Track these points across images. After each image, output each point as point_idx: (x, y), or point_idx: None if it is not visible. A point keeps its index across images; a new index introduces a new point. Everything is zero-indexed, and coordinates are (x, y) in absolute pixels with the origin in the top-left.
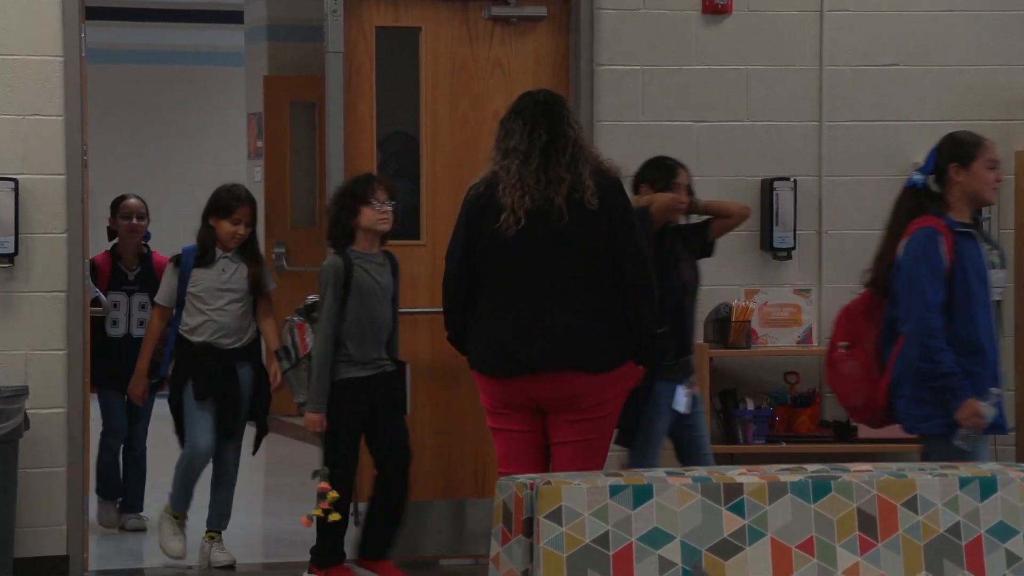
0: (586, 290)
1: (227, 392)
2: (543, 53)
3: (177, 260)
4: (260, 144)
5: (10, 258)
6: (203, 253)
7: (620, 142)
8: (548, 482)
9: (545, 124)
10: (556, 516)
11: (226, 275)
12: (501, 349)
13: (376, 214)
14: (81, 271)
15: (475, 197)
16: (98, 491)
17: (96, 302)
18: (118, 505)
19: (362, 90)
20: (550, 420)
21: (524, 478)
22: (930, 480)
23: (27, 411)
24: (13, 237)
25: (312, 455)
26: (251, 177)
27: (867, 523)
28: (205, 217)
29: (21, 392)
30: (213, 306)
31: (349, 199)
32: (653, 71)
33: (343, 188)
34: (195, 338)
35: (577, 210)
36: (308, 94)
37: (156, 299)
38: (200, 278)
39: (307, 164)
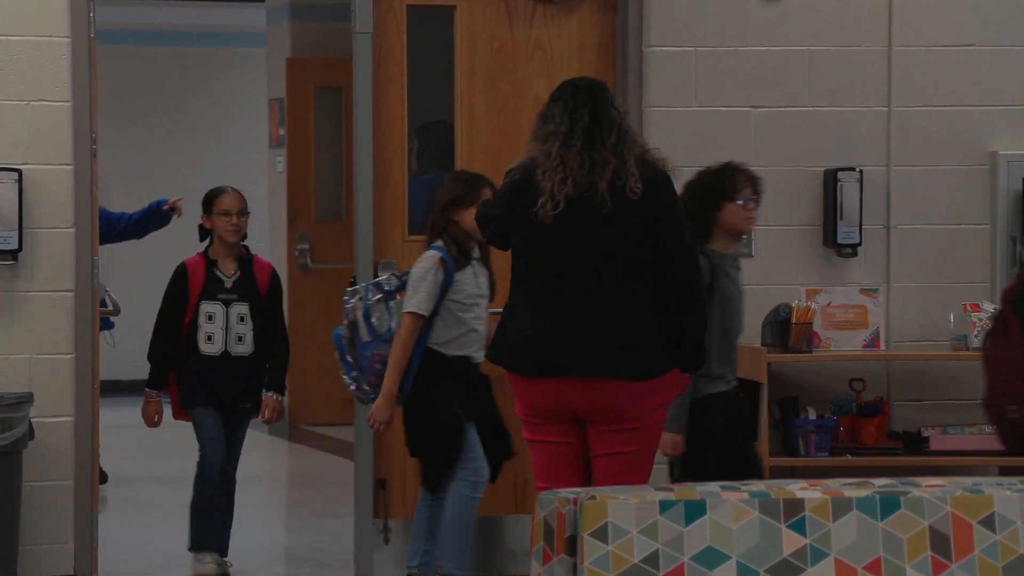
0: (626, 284)
1: (489, 412)
2: (588, 34)
3: (443, 262)
4: (282, 132)
5: (13, 255)
6: (461, 254)
7: (671, 130)
8: (593, 497)
9: (589, 106)
10: (602, 534)
11: (480, 279)
12: (530, 345)
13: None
14: (90, 268)
15: (510, 184)
16: (195, 539)
17: (105, 302)
18: (221, 559)
19: (392, 74)
20: (589, 431)
21: (566, 492)
22: (1009, 496)
23: (32, 420)
24: (17, 232)
25: (337, 467)
26: (272, 167)
27: (940, 542)
28: (445, 210)
29: (25, 399)
30: (474, 314)
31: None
32: (707, 53)
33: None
34: (451, 351)
35: (620, 198)
36: (334, 78)
37: (414, 307)
38: (462, 283)
39: (332, 154)
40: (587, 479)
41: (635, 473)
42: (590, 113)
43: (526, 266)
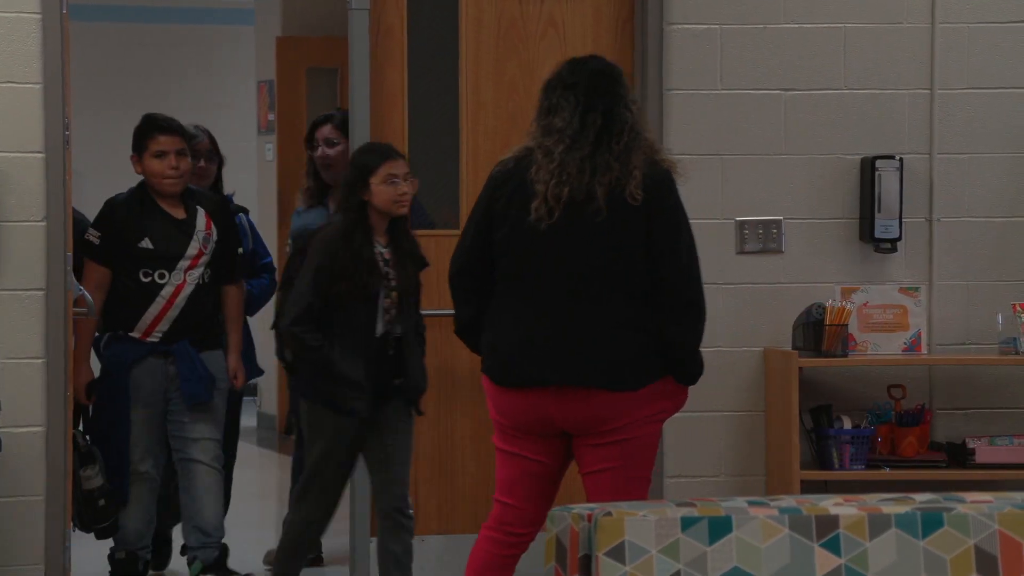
0: (619, 297)
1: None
2: (604, 10)
3: None
4: (272, 117)
5: None
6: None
7: (693, 115)
8: (609, 513)
9: (602, 105)
10: (618, 553)
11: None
12: (511, 356)
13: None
14: (63, 265)
15: (500, 175)
16: None
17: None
18: None
19: (392, 54)
20: (575, 448)
21: (580, 508)
22: None
23: None
24: None
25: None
26: (261, 155)
27: (987, 563)
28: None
29: None
30: None
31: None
32: (733, 31)
33: None
34: None
35: (617, 204)
36: (328, 58)
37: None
38: None
39: None
40: (553, 499)
41: (625, 492)
42: (603, 115)
43: (513, 271)
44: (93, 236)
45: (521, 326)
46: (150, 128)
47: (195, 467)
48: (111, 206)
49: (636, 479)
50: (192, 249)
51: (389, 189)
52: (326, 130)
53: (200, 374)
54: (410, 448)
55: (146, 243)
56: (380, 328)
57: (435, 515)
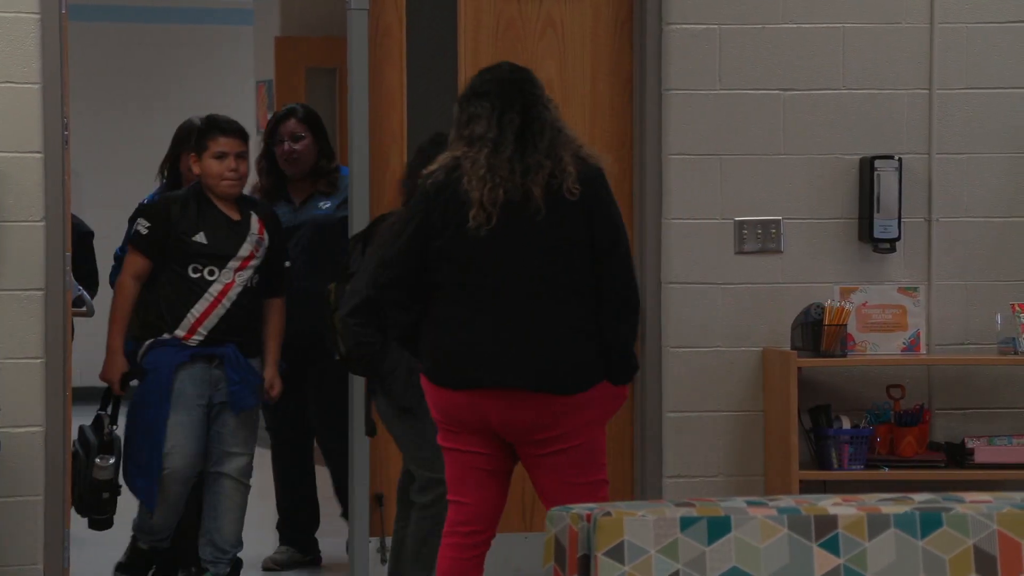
0: (561, 297)
1: None
2: (602, 10)
3: None
4: (271, 116)
5: None
6: None
7: (692, 116)
8: (608, 513)
9: (518, 106)
10: (617, 553)
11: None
12: (452, 358)
13: None
14: (62, 265)
15: (433, 186)
16: None
17: (79, 302)
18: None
19: (391, 54)
20: (523, 458)
21: (579, 508)
22: None
23: None
24: None
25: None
26: None
27: (986, 563)
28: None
29: None
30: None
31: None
32: (732, 31)
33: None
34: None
35: (555, 201)
36: (327, 58)
37: None
38: None
39: None
40: (504, 496)
41: (577, 496)
42: (520, 115)
43: (453, 276)
44: (142, 226)
45: (464, 330)
46: (211, 129)
47: (226, 482)
48: (166, 201)
49: (590, 484)
50: (244, 250)
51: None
52: (291, 124)
53: (249, 380)
54: None
55: (200, 237)
56: None
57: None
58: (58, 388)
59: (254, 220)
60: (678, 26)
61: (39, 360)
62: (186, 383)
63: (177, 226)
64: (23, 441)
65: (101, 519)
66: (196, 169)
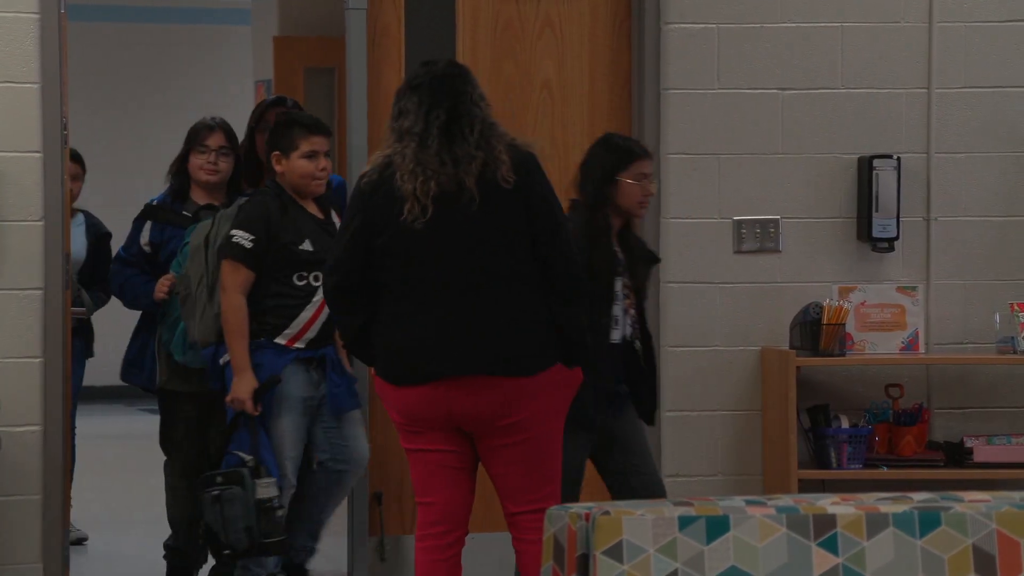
0: (505, 285)
1: None
2: (601, 10)
3: None
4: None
5: None
6: None
7: (691, 115)
8: (606, 512)
9: (445, 103)
10: (616, 552)
11: None
12: (404, 355)
13: None
14: (61, 265)
15: (368, 185)
16: None
17: (78, 301)
18: None
19: (389, 54)
20: (481, 451)
21: (578, 508)
22: None
23: None
24: None
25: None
26: None
27: (984, 562)
28: None
29: None
30: None
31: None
32: (731, 30)
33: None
34: None
35: (491, 190)
36: (326, 58)
37: None
38: None
39: None
40: (472, 491)
41: (535, 488)
42: (447, 111)
43: (397, 275)
44: (245, 239)
45: (412, 325)
46: (302, 128)
47: (347, 476)
48: (262, 210)
49: (544, 472)
50: None
51: (637, 188)
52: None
53: (349, 382)
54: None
55: (307, 245)
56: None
57: None
58: (57, 388)
59: (334, 216)
60: (676, 25)
61: (38, 359)
62: (290, 388)
63: (280, 236)
64: (22, 441)
65: (278, 541)
66: (280, 168)
